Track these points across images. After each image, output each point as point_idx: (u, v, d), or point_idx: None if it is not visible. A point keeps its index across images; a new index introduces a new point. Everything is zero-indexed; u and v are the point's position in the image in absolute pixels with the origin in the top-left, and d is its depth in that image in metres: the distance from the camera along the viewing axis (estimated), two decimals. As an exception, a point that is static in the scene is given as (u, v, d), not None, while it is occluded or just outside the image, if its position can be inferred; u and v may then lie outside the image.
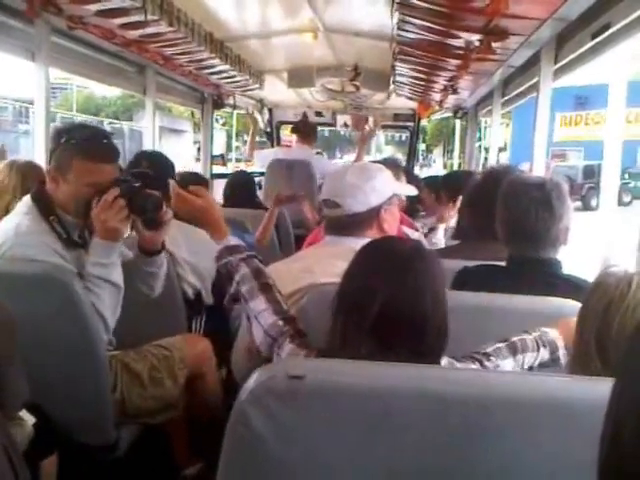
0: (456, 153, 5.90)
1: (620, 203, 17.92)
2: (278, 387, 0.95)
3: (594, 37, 2.34)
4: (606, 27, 2.20)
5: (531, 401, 0.95)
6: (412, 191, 1.95)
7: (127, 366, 2.06)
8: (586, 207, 20.12)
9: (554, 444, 0.94)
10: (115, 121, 27.28)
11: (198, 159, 5.86)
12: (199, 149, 5.76)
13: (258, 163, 5.48)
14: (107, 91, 30.38)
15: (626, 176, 21.33)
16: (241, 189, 4.21)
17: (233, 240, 1.55)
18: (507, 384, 0.98)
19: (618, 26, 2.11)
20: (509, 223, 1.89)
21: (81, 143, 1.89)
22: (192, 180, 3.18)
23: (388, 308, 1.11)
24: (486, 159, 6.24)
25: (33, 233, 1.85)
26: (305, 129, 5.54)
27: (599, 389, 0.89)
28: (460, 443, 0.96)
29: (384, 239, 1.50)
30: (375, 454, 0.96)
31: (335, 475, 0.98)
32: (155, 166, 2.50)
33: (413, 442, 0.96)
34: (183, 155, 18.38)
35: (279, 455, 0.96)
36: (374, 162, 2.97)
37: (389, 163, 3.28)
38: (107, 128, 22.22)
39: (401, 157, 7.14)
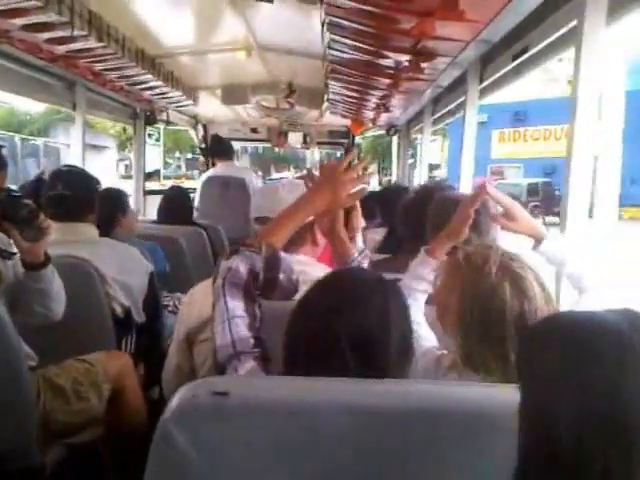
0: (394, 170, 6.00)
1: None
2: (202, 404, 0.94)
3: (515, 59, 2.45)
4: (525, 50, 2.31)
5: (456, 412, 0.97)
6: None
7: (50, 381, 1.98)
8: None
9: (482, 456, 0.96)
10: (30, 137, 25.59)
11: (125, 177, 5.77)
12: (127, 166, 5.67)
13: None
14: (30, 107, 28.81)
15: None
16: (177, 205, 4.14)
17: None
18: (431, 395, 1.00)
19: (535, 50, 2.23)
20: None
21: None
22: (113, 196, 3.13)
23: (348, 338, 1.10)
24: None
25: None
26: (221, 147, 5.53)
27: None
28: (386, 457, 0.97)
29: (344, 271, 1.51)
30: (302, 470, 0.96)
31: (262, 492, 0.98)
32: (72, 187, 2.47)
33: (339, 457, 0.97)
34: (104, 173, 17.71)
35: (204, 473, 0.95)
36: (298, 177, 3.00)
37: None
38: (18, 144, 20.89)
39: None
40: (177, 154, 35.89)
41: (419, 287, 1.57)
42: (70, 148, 4.24)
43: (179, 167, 35.72)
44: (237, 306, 1.26)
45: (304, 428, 0.96)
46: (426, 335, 1.49)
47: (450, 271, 1.39)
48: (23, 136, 22.85)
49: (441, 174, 22.76)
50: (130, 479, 2.17)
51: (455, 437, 0.97)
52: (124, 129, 5.95)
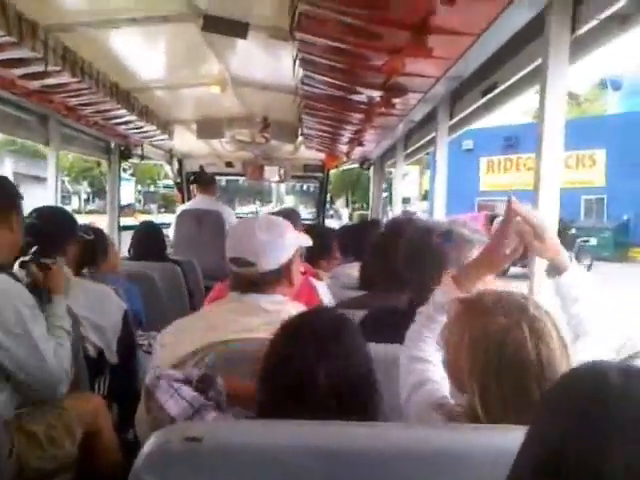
0: (371, 204, 6.00)
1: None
2: (174, 450, 0.93)
3: (484, 94, 2.50)
4: (493, 86, 2.36)
5: (426, 453, 0.96)
6: (308, 241, 1.99)
7: (22, 428, 1.93)
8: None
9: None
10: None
11: (76, 212, 5.69)
12: (81, 199, 5.60)
13: None
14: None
15: (573, 230, 17.41)
16: (149, 241, 4.12)
17: None
18: (402, 437, 1.00)
19: (503, 86, 2.28)
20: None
21: None
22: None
23: (328, 383, 1.12)
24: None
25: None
26: (204, 180, 5.60)
27: (498, 438, 0.93)
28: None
29: (308, 313, 1.44)
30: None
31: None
32: (43, 219, 2.50)
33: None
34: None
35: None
36: (274, 213, 3.03)
37: (289, 213, 3.45)
38: None
39: (303, 208, 7.19)
40: (138, 187, 35.35)
41: (439, 317, 1.41)
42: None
43: (139, 201, 34.97)
44: (178, 379, 1.33)
45: (278, 472, 0.95)
46: (439, 379, 1.36)
47: (455, 320, 1.25)
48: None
49: (414, 208, 22.16)
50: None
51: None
52: (98, 163, 5.91)
